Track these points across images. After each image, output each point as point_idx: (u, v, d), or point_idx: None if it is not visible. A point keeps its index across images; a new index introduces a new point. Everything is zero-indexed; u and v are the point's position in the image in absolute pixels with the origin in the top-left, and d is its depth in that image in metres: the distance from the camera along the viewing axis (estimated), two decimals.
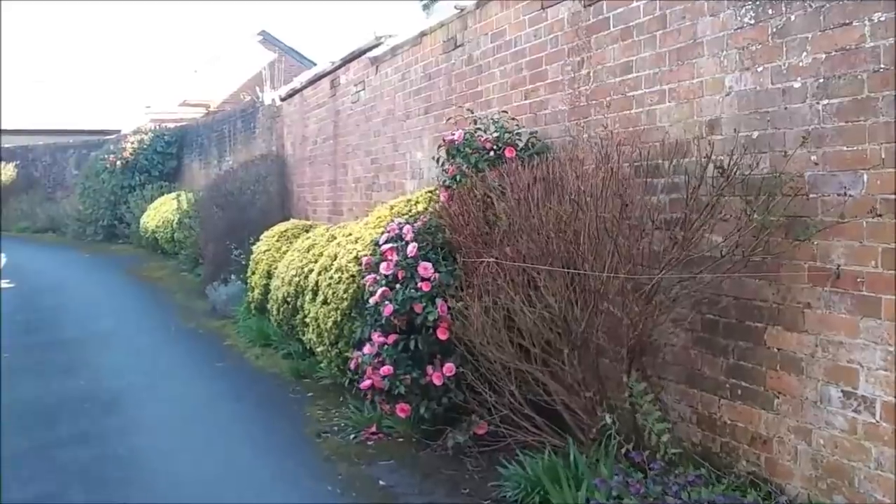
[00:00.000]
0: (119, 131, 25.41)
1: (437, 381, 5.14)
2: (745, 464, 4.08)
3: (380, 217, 6.49)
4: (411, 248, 5.32)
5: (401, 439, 5.42)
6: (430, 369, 5.21)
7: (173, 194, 17.76)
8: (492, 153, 5.36)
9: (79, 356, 8.41)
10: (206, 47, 29.67)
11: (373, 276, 5.54)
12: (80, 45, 31.93)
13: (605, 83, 5.00)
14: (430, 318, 5.03)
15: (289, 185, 13.10)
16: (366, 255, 6.14)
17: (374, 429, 5.55)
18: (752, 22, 3.94)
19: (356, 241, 6.43)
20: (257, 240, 10.69)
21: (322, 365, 6.68)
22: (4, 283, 13.99)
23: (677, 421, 4.46)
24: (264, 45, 27.71)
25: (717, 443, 4.26)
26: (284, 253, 8.77)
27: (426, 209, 6.26)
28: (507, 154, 5.32)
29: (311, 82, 11.65)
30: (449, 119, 6.30)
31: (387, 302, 5.17)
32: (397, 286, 5.19)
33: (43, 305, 11.72)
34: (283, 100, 13.52)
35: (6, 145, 26.79)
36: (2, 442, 5.68)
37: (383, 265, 5.42)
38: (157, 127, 21.76)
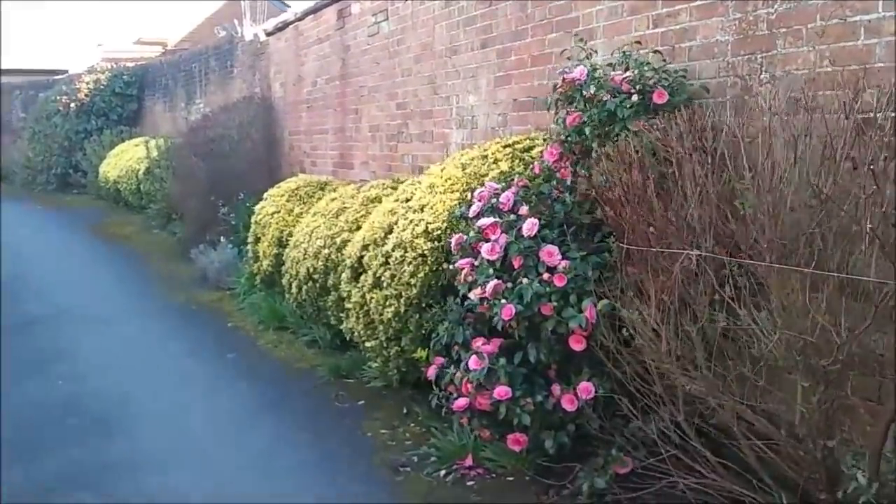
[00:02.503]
0: (67, 71, 23.20)
1: (569, 406, 3.83)
2: None
3: (450, 179, 5.09)
4: (529, 226, 3.95)
5: (510, 478, 4.08)
6: (556, 388, 3.90)
7: (137, 140, 16.01)
8: (634, 97, 3.98)
9: (52, 344, 6.81)
10: None
11: (468, 260, 4.17)
12: None
13: (807, 3, 3.65)
14: (572, 324, 3.69)
15: (277, 133, 11.52)
16: (439, 228, 4.81)
17: (469, 461, 4.22)
18: None
19: (422, 210, 5.03)
20: (248, 195, 9.26)
21: (375, 364, 5.29)
22: None
23: None
24: None
25: None
26: (299, 216, 7.32)
27: (512, 169, 4.91)
28: (657, 99, 3.94)
29: (310, 13, 10.01)
30: (564, 51, 4.85)
31: (503, 300, 3.82)
32: (522, 280, 3.83)
33: None
34: (269, 34, 11.81)
35: None
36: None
37: (486, 247, 4.05)
38: (115, 66, 19.72)
